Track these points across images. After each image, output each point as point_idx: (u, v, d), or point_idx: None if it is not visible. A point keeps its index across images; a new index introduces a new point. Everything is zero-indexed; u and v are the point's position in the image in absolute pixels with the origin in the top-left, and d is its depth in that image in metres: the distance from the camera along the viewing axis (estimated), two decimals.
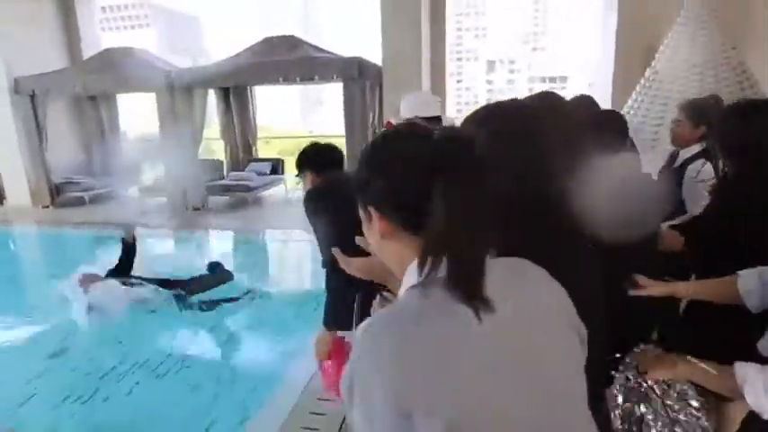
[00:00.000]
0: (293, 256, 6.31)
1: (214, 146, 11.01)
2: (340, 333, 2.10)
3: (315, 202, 2.14)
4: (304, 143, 2.35)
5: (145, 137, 12.11)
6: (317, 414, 2.52)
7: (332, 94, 45.97)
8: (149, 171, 9.77)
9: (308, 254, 5.84)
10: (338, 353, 2.08)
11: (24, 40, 9.00)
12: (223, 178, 9.15)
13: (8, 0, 8.65)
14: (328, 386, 2.19)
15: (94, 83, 8.63)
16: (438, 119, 2.62)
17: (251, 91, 9.66)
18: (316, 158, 2.24)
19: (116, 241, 4.89)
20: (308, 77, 7.59)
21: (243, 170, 9.05)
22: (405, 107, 2.72)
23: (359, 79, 7.03)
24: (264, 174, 9.01)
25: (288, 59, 7.50)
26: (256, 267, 5.83)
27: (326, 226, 2.00)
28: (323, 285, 2.12)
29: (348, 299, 1.95)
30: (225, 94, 9.40)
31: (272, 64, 7.52)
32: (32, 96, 8.78)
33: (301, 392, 2.72)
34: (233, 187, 8.37)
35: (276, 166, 9.34)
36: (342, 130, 7.27)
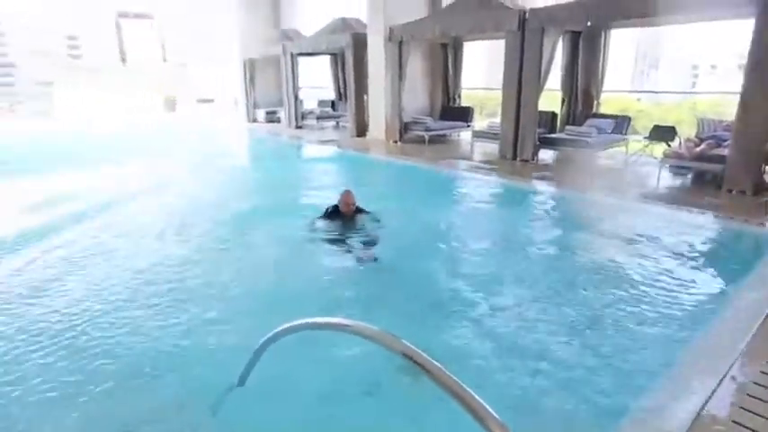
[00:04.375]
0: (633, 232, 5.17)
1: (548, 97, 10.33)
2: None
3: None
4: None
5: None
6: None
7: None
8: (485, 117, 10.01)
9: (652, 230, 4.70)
10: None
11: None
12: (554, 132, 8.52)
13: None
14: None
15: (449, 28, 9.07)
16: None
17: (606, 36, 8.42)
18: None
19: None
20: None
21: (581, 125, 8.13)
22: None
23: None
24: (605, 132, 7.87)
25: None
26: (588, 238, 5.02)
27: None
28: None
29: None
30: (575, 38, 8.50)
31: None
32: (400, 43, 9.94)
33: None
34: (569, 142, 7.60)
35: (621, 125, 8.01)
36: None
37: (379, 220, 5.05)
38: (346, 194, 4.88)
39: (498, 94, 8.61)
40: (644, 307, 3.26)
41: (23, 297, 3.47)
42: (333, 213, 4.96)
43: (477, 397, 1.22)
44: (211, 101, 23.07)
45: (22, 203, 6.39)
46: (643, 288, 3.51)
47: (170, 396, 2.45)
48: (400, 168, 8.55)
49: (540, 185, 6.70)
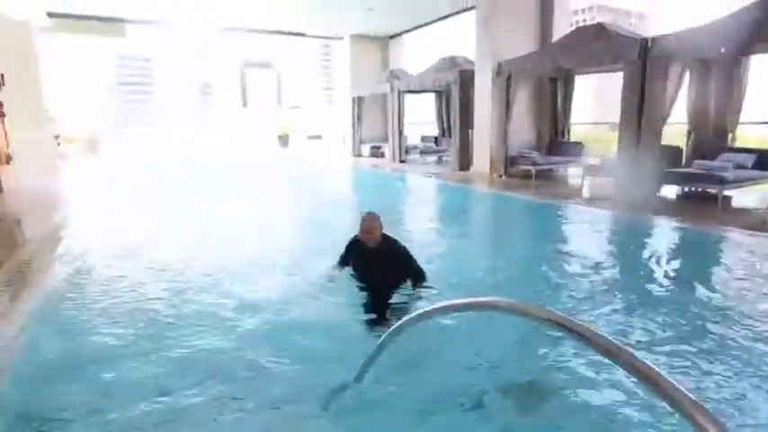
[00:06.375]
0: None
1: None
2: None
3: None
4: None
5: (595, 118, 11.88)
6: None
7: None
8: (596, 152, 9.56)
9: None
10: None
11: (504, 30, 10.30)
12: (678, 167, 7.79)
13: None
14: None
15: (562, 61, 8.88)
16: None
17: (744, 63, 7.65)
18: None
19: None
20: None
21: (712, 160, 7.35)
22: None
23: None
24: (745, 167, 7.03)
25: None
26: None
27: None
28: None
29: None
30: (706, 66, 7.83)
31: None
32: (508, 78, 9.92)
33: None
34: (698, 177, 6.90)
35: (764, 160, 7.12)
36: None
37: (419, 272, 3.56)
38: (367, 218, 3.54)
39: (601, 129, 8.16)
40: None
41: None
42: (352, 248, 3.76)
43: (657, 369, 1.09)
44: (319, 137, 24.76)
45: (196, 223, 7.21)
46: None
47: (290, 387, 2.53)
48: (510, 201, 8.35)
49: (670, 222, 6.08)
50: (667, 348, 2.92)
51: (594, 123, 13.87)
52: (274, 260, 4.69)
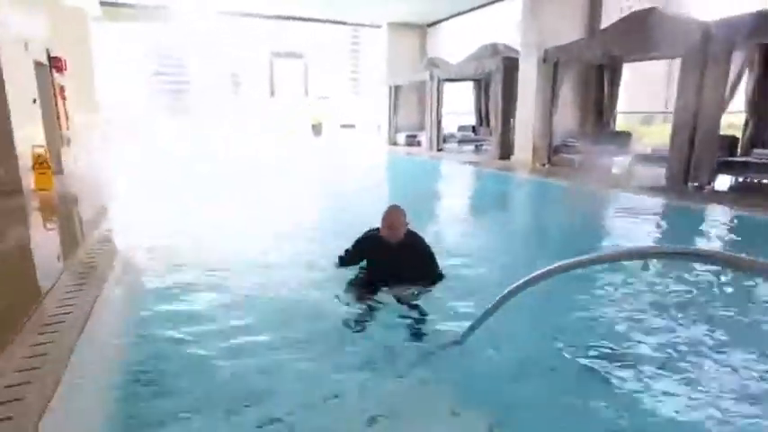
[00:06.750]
0: None
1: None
2: None
3: None
4: None
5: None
6: None
7: None
8: (644, 141, 9.40)
9: None
10: None
11: (552, 16, 10.17)
12: (735, 156, 7.60)
13: None
14: None
15: (613, 48, 8.72)
16: None
17: None
18: None
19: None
20: None
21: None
22: None
23: None
24: None
25: None
26: None
27: None
28: None
29: None
30: (766, 52, 7.58)
31: None
32: (555, 65, 9.81)
33: None
34: (758, 167, 6.74)
35: None
36: None
37: (439, 274, 3.25)
38: (393, 212, 3.15)
39: (632, 121, 7.99)
40: None
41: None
42: (369, 241, 3.30)
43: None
44: (353, 126, 24.93)
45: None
46: None
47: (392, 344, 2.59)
48: (561, 190, 8.30)
49: (726, 211, 5.96)
50: (739, 337, 2.93)
51: (633, 113, 13.55)
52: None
